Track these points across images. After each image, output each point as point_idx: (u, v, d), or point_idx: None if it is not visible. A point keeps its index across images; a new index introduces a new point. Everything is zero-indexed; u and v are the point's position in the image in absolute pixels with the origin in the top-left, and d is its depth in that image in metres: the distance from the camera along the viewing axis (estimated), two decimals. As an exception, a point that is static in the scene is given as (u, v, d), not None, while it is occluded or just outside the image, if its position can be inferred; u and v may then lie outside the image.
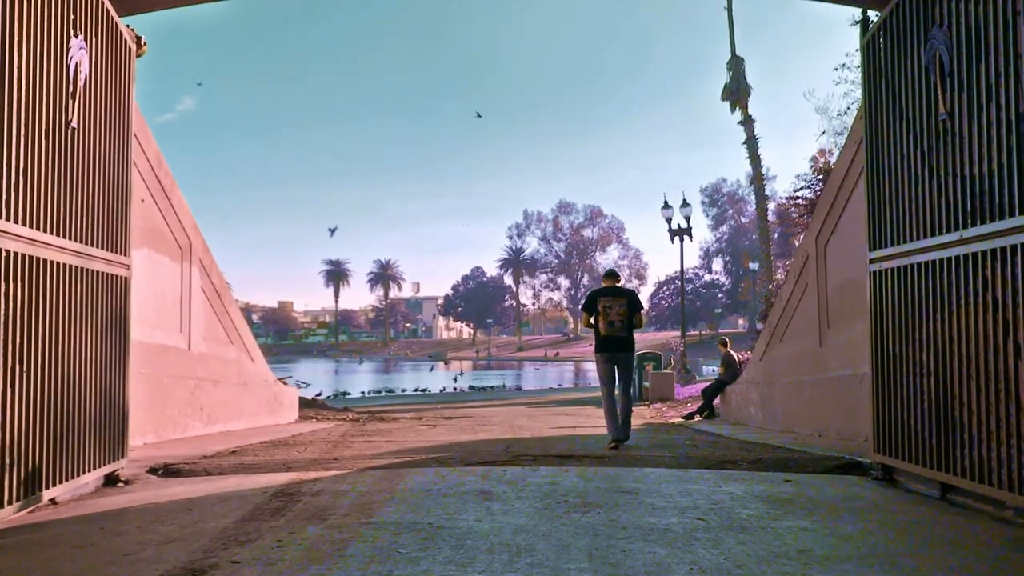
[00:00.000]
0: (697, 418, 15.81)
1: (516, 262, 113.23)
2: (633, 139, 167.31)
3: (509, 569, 3.41)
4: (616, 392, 8.88)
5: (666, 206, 29.92)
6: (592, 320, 9.14)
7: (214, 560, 3.55)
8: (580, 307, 9.80)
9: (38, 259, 4.63)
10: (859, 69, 6.47)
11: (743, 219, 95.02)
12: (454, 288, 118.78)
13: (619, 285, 9.40)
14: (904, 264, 5.40)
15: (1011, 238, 4.22)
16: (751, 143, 35.27)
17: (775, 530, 4.19)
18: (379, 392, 34.10)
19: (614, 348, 8.92)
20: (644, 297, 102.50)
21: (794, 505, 4.93)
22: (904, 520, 4.60)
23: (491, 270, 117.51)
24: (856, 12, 8.56)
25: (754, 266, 49.47)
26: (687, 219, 29.80)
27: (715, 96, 37.72)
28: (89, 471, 5.36)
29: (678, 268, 29.76)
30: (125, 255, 5.94)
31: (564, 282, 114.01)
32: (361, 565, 3.46)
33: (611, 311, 8.93)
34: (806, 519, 4.49)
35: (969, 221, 4.63)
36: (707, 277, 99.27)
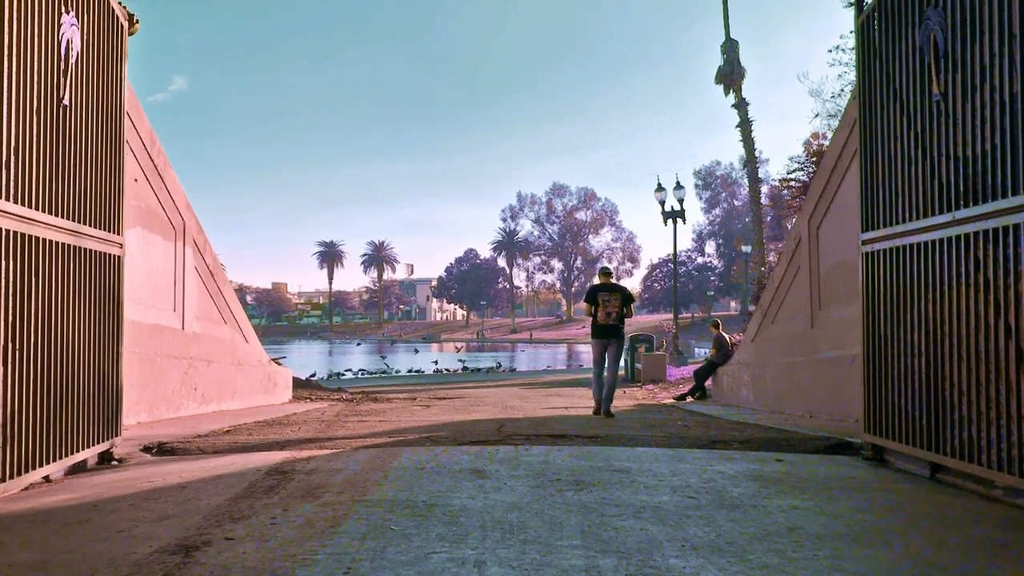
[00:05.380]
0: (689, 399, 15.88)
1: (510, 244, 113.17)
2: (627, 122, 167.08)
3: (502, 545, 3.43)
4: (606, 370, 10.59)
5: (659, 188, 29.94)
6: (592, 310, 10.69)
7: (208, 537, 3.56)
8: (583, 299, 11.33)
9: (30, 237, 4.61)
10: (853, 51, 6.46)
11: (736, 202, 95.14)
12: (448, 270, 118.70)
13: (614, 281, 11.01)
14: (896, 245, 5.42)
15: (1003, 219, 4.23)
16: (744, 126, 35.19)
17: (766, 508, 4.22)
18: (373, 373, 34.11)
19: (608, 335, 10.59)
20: (637, 279, 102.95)
21: (785, 484, 4.96)
22: (894, 499, 4.64)
23: (485, 252, 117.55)
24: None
25: (747, 249, 49.51)
26: (680, 202, 29.84)
27: (709, 78, 37.61)
28: (83, 449, 5.36)
29: (671, 251, 29.79)
30: (118, 234, 5.92)
31: (557, 264, 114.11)
32: (355, 542, 3.48)
33: (608, 304, 10.52)
34: (797, 498, 4.52)
35: (962, 202, 4.64)
36: (700, 260, 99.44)
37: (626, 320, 10.76)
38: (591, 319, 10.80)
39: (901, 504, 4.50)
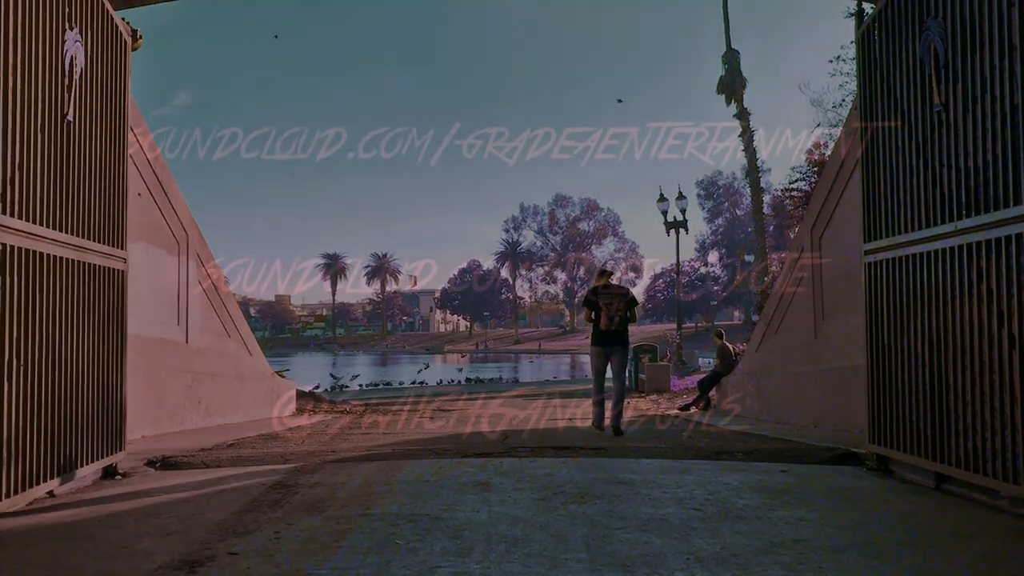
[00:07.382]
0: (693, 409, 15.84)
1: (513, 255, 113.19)
2: (629, 131, 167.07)
3: (506, 559, 3.43)
4: (611, 380, 9.60)
5: (662, 199, 29.98)
6: (593, 316, 9.59)
7: (211, 552, 3.56)
8: (581, 304, 10.20)
9: (34, 252, 4.62)
10: (854, 62, 6.48)
11: (739, 212, 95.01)
12: (451, 281, 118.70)
13: (615, 282, 9.92)
14: (899, 255, 5.41)
15: (1005, 229, 4.23)
16: (746, 136, 35.22)
17: (771, 520, 4.21)
18: (376, 385, 34.07)
19: (611, 342, 9.51)
20: (640, 289, 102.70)
21: (790, 495, 4.95)
22: (899, 510, 4.62)
23: (488, 263, 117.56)
24: (851, 3, 8.57)
25: (750, 258, 49.53)
26: (683, 211, 29.87)
27: (712, 89, 37.65)
28: (87, 464, 5.35)
29: (674, 260, 29.79)
30: (122, 248, 5.94)
31: (560, 275, 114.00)
32: (359, 556, 3.47)
33: (611, 307, 9.43)
34: (802, 509, 4.51)
35: (964, 212, 4.64)
36: (703, 269, 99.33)
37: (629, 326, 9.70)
38: (592, 325, 9.66)
39: (906, 515, 4.49)
